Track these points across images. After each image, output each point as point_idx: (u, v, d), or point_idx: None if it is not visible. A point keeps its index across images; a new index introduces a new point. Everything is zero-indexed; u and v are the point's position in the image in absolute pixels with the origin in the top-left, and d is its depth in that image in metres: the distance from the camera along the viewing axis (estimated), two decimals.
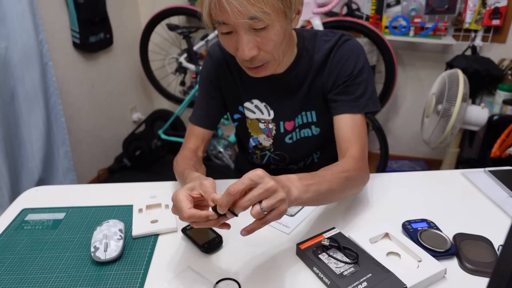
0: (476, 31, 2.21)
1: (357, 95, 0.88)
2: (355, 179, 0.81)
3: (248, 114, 1.00)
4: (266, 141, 1.02)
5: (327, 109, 0.96)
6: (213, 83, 0.98)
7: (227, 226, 0.64)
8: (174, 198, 0.65)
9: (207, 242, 0.75)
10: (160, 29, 2.67)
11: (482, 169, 1.01)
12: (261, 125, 1.00)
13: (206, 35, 2.44)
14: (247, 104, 0.98)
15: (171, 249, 0.77)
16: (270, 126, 0.99)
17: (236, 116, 1.02)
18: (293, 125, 0.98)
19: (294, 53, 0.90)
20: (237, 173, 1.29)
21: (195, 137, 1.00)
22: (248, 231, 0.60)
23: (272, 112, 0.97)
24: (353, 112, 0.88)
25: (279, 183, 0.61)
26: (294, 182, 0.66)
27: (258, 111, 0.98)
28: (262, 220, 0.59)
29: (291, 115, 0.97)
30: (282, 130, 0.99)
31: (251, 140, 1.04)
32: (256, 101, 0.97)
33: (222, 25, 0.73)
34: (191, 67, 2.48)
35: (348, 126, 0.87)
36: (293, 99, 0.95)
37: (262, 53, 0.77)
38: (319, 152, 1.06)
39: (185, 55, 2.51)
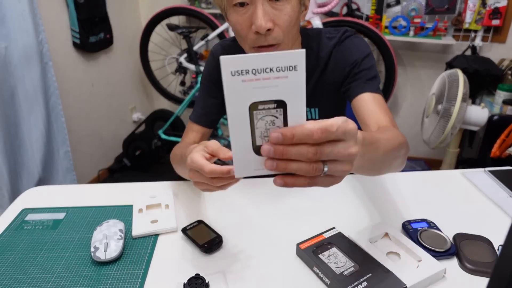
0: (476, 31, 2.21)
1: (370, 76, 0.87)
2: (405, 147, 0.74)
3: None
4: None
5: (331, 106, 0.97)
6: (214, 83, 0.99)
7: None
8: (189, 162, 0.62)
9: (207, 242, 0.75)
10: (160, 29, 2.67)
11: (482, 169, 1.01)
12: None
13: (206, 35, 2.44)
14: None
15: (171, 249, 0.77)
16: None
17: None
18: None
19: None
20: None
21: (193, 133, 1.01)
22: (286, 183, 0.46)
23: None
24: (371, 90, 0.85)
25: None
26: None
27: None
28: (313, 180, 0.46)
29: None
30: None
31: None
32: None
33: None
34: (191, 67, 2.48)
35: (370, 101, 0.83)
36: None
37: (277, 28, 0.76)
38: None
39: (185, 55, 2.51)
